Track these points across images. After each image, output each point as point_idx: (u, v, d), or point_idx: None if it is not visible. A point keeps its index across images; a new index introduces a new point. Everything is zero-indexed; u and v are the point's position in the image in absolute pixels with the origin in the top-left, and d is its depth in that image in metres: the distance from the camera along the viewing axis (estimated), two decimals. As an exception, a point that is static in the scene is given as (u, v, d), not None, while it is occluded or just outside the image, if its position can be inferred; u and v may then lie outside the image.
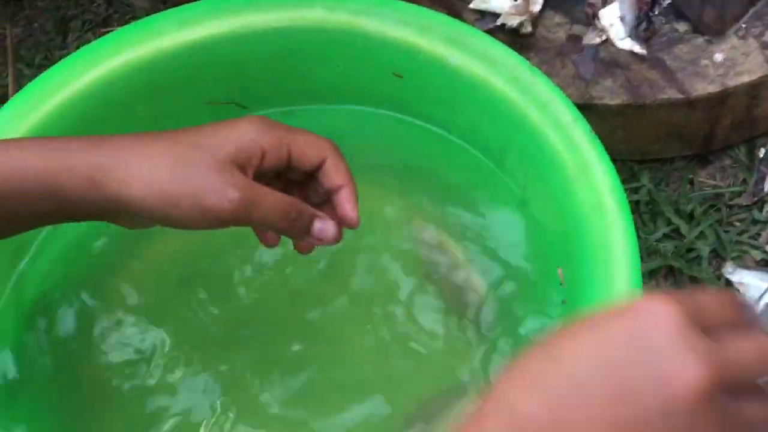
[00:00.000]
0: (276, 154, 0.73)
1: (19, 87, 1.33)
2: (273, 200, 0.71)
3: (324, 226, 0.74)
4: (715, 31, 1.15)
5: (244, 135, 0.72)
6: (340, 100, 0.96)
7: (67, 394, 0.88)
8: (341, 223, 0.76)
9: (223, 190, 0.69)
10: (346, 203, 0.76)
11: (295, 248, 0.79)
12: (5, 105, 0.91)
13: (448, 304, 0.90)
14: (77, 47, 1.35)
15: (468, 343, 0.88)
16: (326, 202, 0.78)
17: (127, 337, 0.90)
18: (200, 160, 0.70)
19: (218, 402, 0.87)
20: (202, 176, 0.70)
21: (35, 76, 1.32)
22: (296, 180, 0.78)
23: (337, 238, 0.76)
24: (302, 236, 0.74)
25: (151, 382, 0.88)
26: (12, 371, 0.88)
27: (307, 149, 0.75)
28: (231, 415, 0.86)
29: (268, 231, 0.78)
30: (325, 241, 0.75)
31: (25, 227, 0.75)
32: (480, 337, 0.88)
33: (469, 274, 0.90)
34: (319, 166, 0.76)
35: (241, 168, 0.71)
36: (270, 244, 0.79)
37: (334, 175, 0.76)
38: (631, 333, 0.49)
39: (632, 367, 0.48)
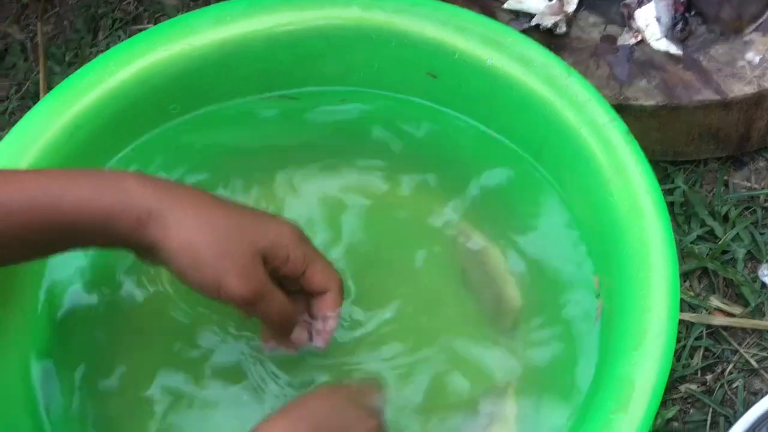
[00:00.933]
0: (294, 266, 0.79)
1: (49, 84, 1.33)
2: (279, 301, 0.78)
3: (300, 336, 0.83)
4: (733, 30, 1.14)
5: (282, 238, 0.78)
6: (376, 97, 0.96)
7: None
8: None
9: (246, 277, 0.75)
10: (320, 331, 0.84)
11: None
12: (38, 103, 0.91)
13: (484, 311, 0.89)
14: (107, 45, 1.35)
15: (503, 351, 0.87)
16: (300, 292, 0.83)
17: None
18: (240, 243, 0.75)
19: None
20: (236, 258, 0.75)
21: (65, 73, 1.33)
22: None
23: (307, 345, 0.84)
24: (285, 336, 0.83)
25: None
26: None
27: (318, 275, 0.81)
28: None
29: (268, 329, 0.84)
30: (299, 345, 0.84)
31: (62, 250, 0.79)
32: (514, 345, 0.87)
33: (507, 284, 0.90)
34: (319, 292, 0.82)
35: (265, 261, 0.77)
36: (269, 347, 0.85)
37: (323, 303, 0.83)
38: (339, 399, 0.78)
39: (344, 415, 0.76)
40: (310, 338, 0.84)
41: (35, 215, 0.73)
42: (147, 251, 0.76)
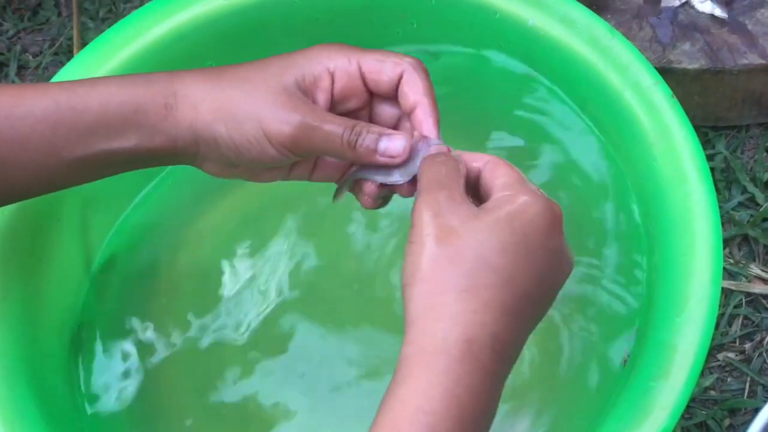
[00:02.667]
0: (345, 73, 0.70)
1: (83, 40, 1.32)
2: (333, 122, 0.68)
3: (390, 142, 0.68)
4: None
5: (312, 58, 0.70)
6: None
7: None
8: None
9: (283, 114, 0.68)
10: (421, 121, 0.69)
11: (361, 203, 0.74)
12: (74, 58, 0.90)
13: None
14: (141, 1, 1.34)
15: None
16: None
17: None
18: (265, 83, 0.69)
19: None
20: (263, 98, 0.68)
21: (99, 29, 1.33)
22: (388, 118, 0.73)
23: (403, 157, 0.69)
24: (371, 158, 0.69)
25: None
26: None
27: (379, 65, 0.70)
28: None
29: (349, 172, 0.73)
30: (396, 159, 0.68)
31: (110, 169, 0.73)
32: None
33: None
34: (397, 86, 0.70)
35: (309, 93, 0.70)
36: (369, 205, 0.73)
37: (409, 92, 0.70)
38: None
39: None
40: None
41: (62, 116, 0.69)
42: (193, 145, 0.70)
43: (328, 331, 0.87)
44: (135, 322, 0.89)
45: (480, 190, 0.66)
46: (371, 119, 0.73)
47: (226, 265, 0.90)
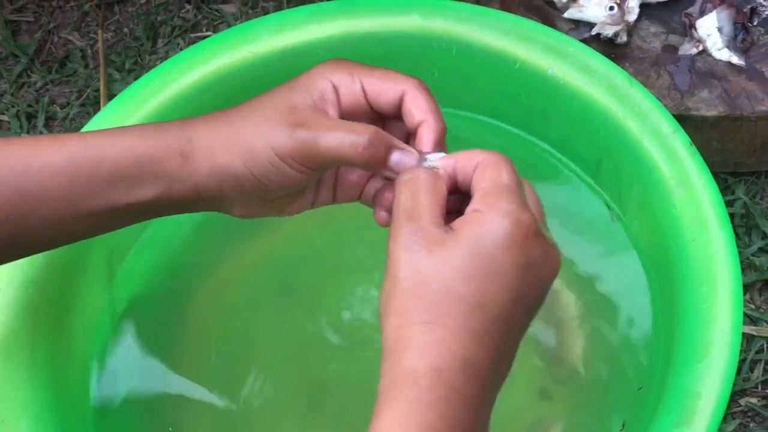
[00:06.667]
0: (349, 90, 0.69)
1: (109, 91, 1.34)
2: (339, 126, 0.67)
3: (403, 156, 0.67)
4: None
5: (315, 75, 0.70)
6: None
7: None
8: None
9: (289, 130, 0.67)
10: (421, 138, 0.68)
11: (375, 220, 0.73)
12: (102, 110, 0.91)
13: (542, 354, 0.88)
14: (167, 52, 1.36)
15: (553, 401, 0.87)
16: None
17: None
18: (272, 108, 0.69)
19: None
20: (271, 122, 0.68)
21: (125, 80, 1.35)
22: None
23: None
24: (380, 168, 0.68)
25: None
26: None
27: (381, 83, 0.69)
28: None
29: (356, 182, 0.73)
30: (404, 163, 0.67)
31: (132, 219, 0.73)
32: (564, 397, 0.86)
33: (571, 331, 0.89)
34: (400, 105, 0.69)
35: (318, 109, 0.69)
36: (383, 222, 0.71)
37: (411, 111, 0.68)
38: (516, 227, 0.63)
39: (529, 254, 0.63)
40: None
41: (78, 168, 0.69)
42: (216, 189, 0.70)
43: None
44: (158, 369, 0.90)
45: (470, 192, 0.66)
46: None
47: (252, 310, 0.91)
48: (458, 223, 0.63)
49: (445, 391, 0.59)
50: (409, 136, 0.70)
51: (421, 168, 0.66)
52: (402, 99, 0.69)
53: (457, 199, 0.66)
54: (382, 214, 0.71)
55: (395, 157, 0.67)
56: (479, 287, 0.61)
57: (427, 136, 0.68)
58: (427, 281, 0.61)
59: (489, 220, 0.62)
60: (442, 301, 0.60)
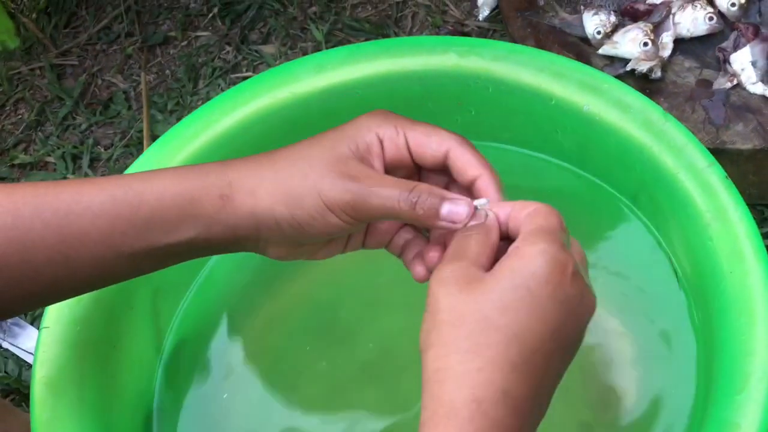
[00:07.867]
0: (393, 143, 0.71)
1: (152, 131, 1.36)
2: (391, 182, 0.69)
3: (455, 206, 0.68)
4: None
5: (361, 127, 0.71)
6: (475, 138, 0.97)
7: None
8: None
9: (341, 183, 0.68)
10: (485, 190, 0.70)
11: (413, 275, 0.74)
12: (146, 151, 0.92)
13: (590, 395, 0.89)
14: (208, 93, 1.38)
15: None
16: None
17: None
18: (319, 157, 0.70)
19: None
20: (320, 171, 0.69)
21: (167, 121, 1.37)
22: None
23: (465, 222, 0.68)
24: (431, 222, 0.68)
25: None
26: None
27: (425, 138, 0.71)
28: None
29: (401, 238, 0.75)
30: (458, 224, 0.68)
31: (170, 260, 0.74)
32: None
33: (624, 375, 0.89)
34: (444, 161, 0.71)
35: (365, 160, 0.70)
36: (421, 278, 0.73)
37: (463, 167, 0.70)
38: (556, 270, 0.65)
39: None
40: None
41: (119, 211, 0.70)
42: (254, 231, 0.71)
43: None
44: (205, 407, 0.90)
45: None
46: None
47: (295, 351, 0.92)
48: (499, 262, 0.64)
49: (485, 422, 0.60)
50: (448, 186, 0.72)
51: (490, 213, 0.68)
52: (446, 155, 0.71)
53: (506, 246, 0.66)
54: (420, 270, 0.72)
55: (446, 208, 0.68)
56: (516, 318, 0.62)
57: (489, 188, 0.70)
58: (465, 313, 0.62)
59: (527, 254, 0.63)
60: (479, 330, 0.62)
